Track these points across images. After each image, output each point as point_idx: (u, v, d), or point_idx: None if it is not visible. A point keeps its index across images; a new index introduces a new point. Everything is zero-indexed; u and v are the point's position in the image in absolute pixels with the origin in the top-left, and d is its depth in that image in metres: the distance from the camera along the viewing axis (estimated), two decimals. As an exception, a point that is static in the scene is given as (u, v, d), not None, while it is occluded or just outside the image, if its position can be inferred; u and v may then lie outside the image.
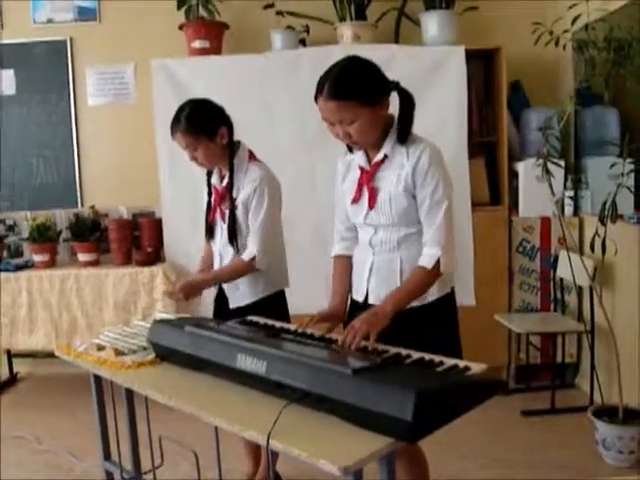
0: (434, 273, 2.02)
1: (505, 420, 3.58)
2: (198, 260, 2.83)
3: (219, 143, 2.53)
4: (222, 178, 2.63)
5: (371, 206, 2.10)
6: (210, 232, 2.69)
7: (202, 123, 2.50)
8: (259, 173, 2.55)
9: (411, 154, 2.04)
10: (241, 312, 2.53)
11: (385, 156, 2.08)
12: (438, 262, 2.01)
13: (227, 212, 2.57)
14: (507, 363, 4.10)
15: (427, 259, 2.02)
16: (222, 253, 2.65)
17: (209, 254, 2.76)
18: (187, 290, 2.51)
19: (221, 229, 2.63)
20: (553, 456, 3.19)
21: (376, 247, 2.14)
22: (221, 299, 2.69)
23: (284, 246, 2.71)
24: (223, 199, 2.60)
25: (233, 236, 2.56)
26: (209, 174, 2.69)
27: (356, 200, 2.15)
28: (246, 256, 2.53)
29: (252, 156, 2.63)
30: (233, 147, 2.58)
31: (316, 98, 2.00)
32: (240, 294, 2.61)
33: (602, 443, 3.08)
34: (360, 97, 1.95)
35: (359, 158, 2.16)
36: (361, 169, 2.14)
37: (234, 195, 2.56)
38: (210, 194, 2.67)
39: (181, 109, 2.52)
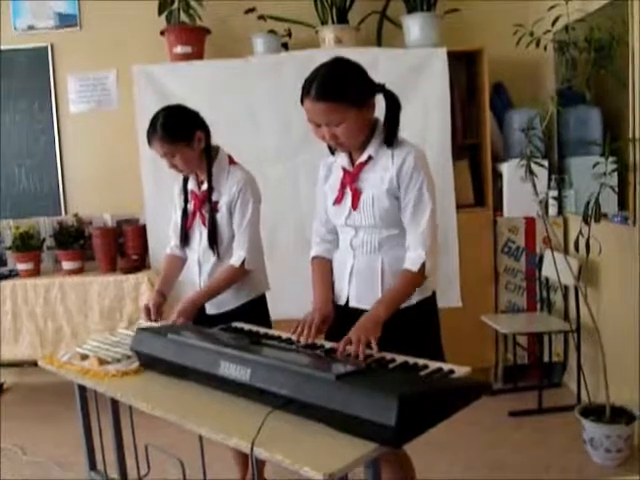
0: (420, 275, 2.02)
1: (493, 421, 3.59)
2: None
3: (197, 148, 2.50)
4: (200, 183, 2.60)
5: (354, 207, 2.09)
6: (186, 239, 2.65)
7: (178, 129, 2.47)
8: (242, 176, 2.54)
9: (396, 157, 2.04)
10: (223, 317, 2.51)
11: (369, 157, 2.08)
12: (423, 265, 2.01)
13: (207, 216, 2.55)
14: (494, 364, 4.11)
15: (413, 261, 2.02)
16: (201, 260, 2.61)
17: (173, 267, 2.73)
18: (188, 314, 2.45)
19: (200, 235, 2.59)
20: (541, 456, 3.20)
21: (357, 249, 2.13)
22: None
23: (263, 250, 2.69)
24: (203, 203, 2.57)
25: (213, 240, 2.53)
26: (185, 180, 2.66)
27: (338, 201, 2.14)
28: (235, 261, 2.51)
29: (232, 160, 2.61)
30: (211, 151, 2.56)
31: (302, 100, 1.98)
32: (222, 300, 2.57)
33: (590, 442, 3.09)
34: (349, 98, 1.95)
35: (342, 159, 2.15)
36: (344, 170, 2.14)
37: (215, 199, 2.54)
38: (186, 200, 2.64)
39: (156, 117, 2.49)
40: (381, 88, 2.05)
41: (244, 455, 2.75)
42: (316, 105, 1.95)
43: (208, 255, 2.58)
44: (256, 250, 2.57)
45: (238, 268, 2.50)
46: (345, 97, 1.94)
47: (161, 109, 2.54)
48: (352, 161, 2.13)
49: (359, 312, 2.00)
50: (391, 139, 2.06)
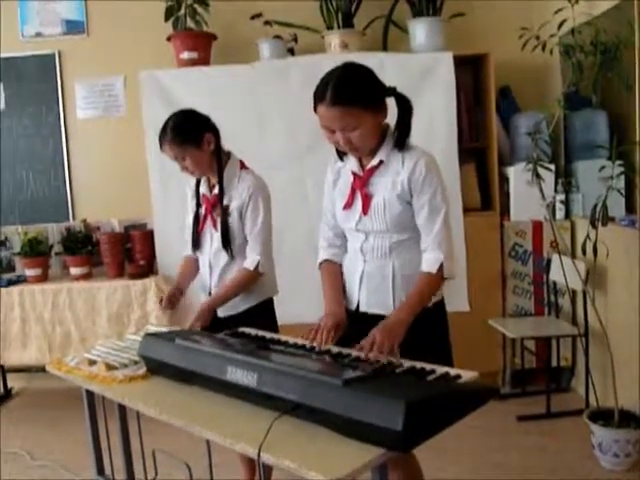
0: (439, 277, 2.02)
1: (501, 425, 3.58)
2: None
3: (206, 150, 2.54)
4: (212, 187, 2.63)
5: (365, 212, 2.09)
6: (197, 242, 2.67)
7: (187, 132, 2.51)
8: (252, 181, 2.57)
9: (407, 161, 2.04)
10: (232, 320, 2.52)
11: (380, 162, 2.07)
12: (441, 267, 2.01)
13: (219, 219, 2.57)
14: (502, 368, 4.10)
15: (431, 264, 2.02)
16: (212, 263, 2.63)
17: (190, 267, 2.74)
18: (205, 318, 2.50)
19: (211, 238, 2.62)
20: (549, 461, 3.19)
21: (367, 254, 2.13)
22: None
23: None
24: (214, 207, 2.59)
25: (227, 242, 2.55)
26: (197, 184, 2.68)
27: (348, 206, 2.14)
28: (250, 264, 2.53)
29: (243, 165, 2.64)
30: (221, 154, 2.59)
31: (315, 106, 1.98)
32: (231, 303, 2.59)
33: (598, 447, 3.07)
34: (364, 102, 1.95)
35: (351, 164, 2.15)
36: (354, 174, 2.13)
37: (226, 202, 2.56)
38: (198, 204, 2.67)
39: (167, 121, 2.54)
40: (393, 91, 2.05)
41: (251, 459, 2.75)
42: (332, 110, 1.94)
43: (219, 258, 2.61)
44: (269, 254, 2.59)
45: (252, 271, 2.53)
46: (360, 101, 1.94)
47: (173, 113, 2.59)
48: (362, 165, 2.13)
49: (370, 317, 2.00)
50: (403, 141, 2.05)
